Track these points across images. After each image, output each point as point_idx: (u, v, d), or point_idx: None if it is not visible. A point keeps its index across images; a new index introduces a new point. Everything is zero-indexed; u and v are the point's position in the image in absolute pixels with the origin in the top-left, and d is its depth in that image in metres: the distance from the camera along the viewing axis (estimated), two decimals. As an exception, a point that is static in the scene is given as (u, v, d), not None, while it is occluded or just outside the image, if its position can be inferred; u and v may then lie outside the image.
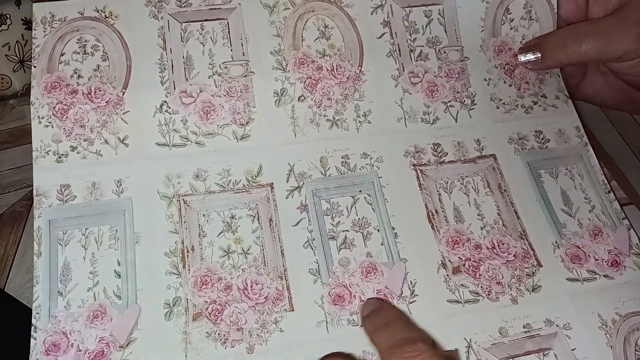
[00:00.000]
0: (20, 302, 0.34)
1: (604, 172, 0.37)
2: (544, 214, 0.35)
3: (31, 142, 0.31)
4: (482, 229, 0.34)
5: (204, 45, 0.36)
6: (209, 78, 0.35)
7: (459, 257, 0.33)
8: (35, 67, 0.34)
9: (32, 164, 0.30)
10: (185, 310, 0.30)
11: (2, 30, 0.44)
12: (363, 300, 0.31)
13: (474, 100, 0.38)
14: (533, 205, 0.35)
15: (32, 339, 0.28)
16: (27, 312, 0.32)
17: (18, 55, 0.48)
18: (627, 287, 0.32)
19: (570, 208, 0.35)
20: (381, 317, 0.30)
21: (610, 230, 0.35)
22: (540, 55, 0.38)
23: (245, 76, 0.35)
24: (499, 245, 0.33)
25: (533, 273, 0.33)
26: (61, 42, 0.34)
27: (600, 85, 0.40)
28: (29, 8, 0.46)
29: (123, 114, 0.33)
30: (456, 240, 0.33)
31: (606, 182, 0.37)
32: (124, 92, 0.34)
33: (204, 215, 0.32)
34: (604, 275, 0.33)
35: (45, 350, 0.28)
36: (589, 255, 0.33)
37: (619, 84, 0.39)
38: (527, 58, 0.39)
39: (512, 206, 0.35)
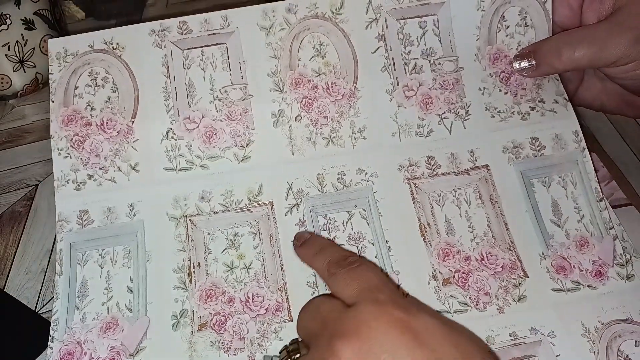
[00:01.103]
0: (20, 302, 0.37)
1: (597, 177, 0.38)
2: (533, 225, 0.37)
3: (31, 142, 0.34)
4: (472, 241, 0.36)
5: (204, 71, 0.39)
6: (210, 103, 0.38)
7: (449, 269, 0.35)
8: (53, 101, 0.38)
9: (32, 164, 0.34)
10: (191, 321, 0.34)
11: (2, 30, 0.45)
12: (355, 311, 0.34)
13: (468, 110, 0.39)
14: (523, 216, 0.37)
15: (48, 349, 0.33)
16: (26, 312, 0.36)
17: (18, 55, 0.49)
18: (609, 296, 0.34)
19: (559, 218, 0.37)
20: (314, 244, 0.34)
21: (597, 240, 0.36)
22: (534, 62, 0.39)
23: (244, 99, 0.38)
24: (487, 257, 0.36)
25: (519, 284, 0.35)
26: (75, 75, 0.38)
27: (598, 90, 0.41)
28: (29, 8, 0.49)
29: (133, 142, 0.37)
30: (447, 253, 0.36)
31: (599, 189, 0.38)
32: (133, 122, 0.38)
33: (209, 234, 0.36)
34: (588, 286, 0.35)
35: (60, 358, 0.33)
36: (573, 266, 0.35)
37: (617, 89, 0.40)
38: (522, 65, 0.40)
39: (502, 217, 0.37)
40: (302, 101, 0.39)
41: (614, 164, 0.42)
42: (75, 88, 0.38)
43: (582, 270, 0.35)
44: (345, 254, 0.32)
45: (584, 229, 0.37)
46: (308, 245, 0.35)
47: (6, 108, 0.46)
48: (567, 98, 0.40)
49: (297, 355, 0.29)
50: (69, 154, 0.37)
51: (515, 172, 0.38)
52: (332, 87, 0.39)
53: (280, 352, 0.31)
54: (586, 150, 0.39)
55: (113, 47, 0.38)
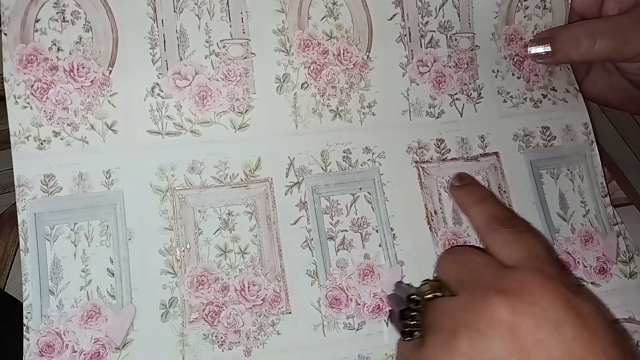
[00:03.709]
0: (20, 302, 0.34)
1: (604, 172, 0.40)
2: (540, 218, 0.37)
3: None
4: (479, 232, 0.36)
5: (199, 19, 0.35)
6: (205, 58, 0.34)
7: (455, 261, 0.35)
8: (5, 34, 0.32)
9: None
10: (182, 312, 0.31)
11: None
12: (359, 304, 0.34)
13: (480, 93, 0.39)
14: (530, 208, 0.38)
15: (24, 340, 0.29)
16: None
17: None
18: (612, 294, 0.36)
19: (565, 212, 0.38)
20: (475, 191, 0.35)
21: (601, 236, 0.38)
22: (550, 49, 0.39)
23: (245, 58, 0.35)
24: (494, 250, 0.36)
25: (525, 280, 0.36)
26: (35, 5, 0.33)
27: (604, 83, 0.42)
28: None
29: (110, 96, 0.33)
30: (453, 243, 0.36)
31: (604, 184, 0.39)
32: (110, 71, 0.33)
33: (199, 212, 0.33)
34: (591, 283, 0.36)
35: (39, 351, 0.29)
36: (578, 262, 0.37)
37: (624, 83, 0.41)
38: (537, 51, 0.39)
39: (510, 208, 0.37)
40: (310, 66, 0.36)
41: (614, 163, 0.44)
42: (37, 21, 0.33)
43: (587, 267, 0.37)
44: (511, 213, 0.32)
45: (589, 224, 0.38)
46: (469, 190, 0.35)
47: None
48: (578, 88, 0.41)
49: (440, 294, 0.29)
50: (28, 103, 0.32)
51: (525, 161, 0.39)
52: (343, 54, 0.36)
53: (421, 285, 0.30)
54: (594, 144, 0.40)
55: (86, -23, 0.33)
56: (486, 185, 0.37)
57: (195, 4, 0.35)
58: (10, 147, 0.31)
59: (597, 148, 0.40)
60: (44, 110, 0.32)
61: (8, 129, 0.31)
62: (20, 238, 0.30)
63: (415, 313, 0.29)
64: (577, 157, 0.39)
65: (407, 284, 0.33)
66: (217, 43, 0.35)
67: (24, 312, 0.30)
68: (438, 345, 0.26)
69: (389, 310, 0.33)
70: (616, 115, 0.47)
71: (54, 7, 0.33)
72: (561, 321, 0.25)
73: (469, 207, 0.34)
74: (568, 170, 0.39)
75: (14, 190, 0.30)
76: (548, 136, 0.39)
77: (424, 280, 0.31)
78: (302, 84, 0.36)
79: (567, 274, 0.29)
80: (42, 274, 0.30)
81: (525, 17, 0.40)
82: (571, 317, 0.25)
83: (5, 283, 0.36)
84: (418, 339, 0.29)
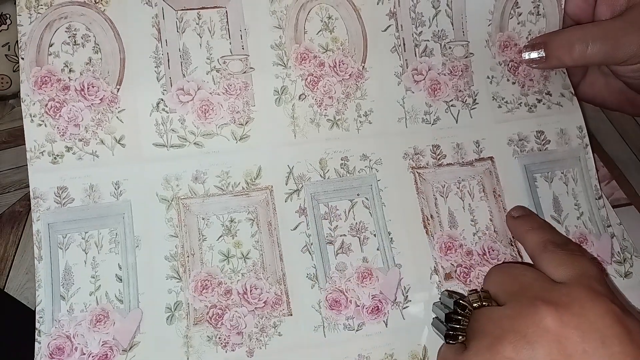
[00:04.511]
0: (20, 302, 0.36)
1: (598, 175, 0.40)
2: (535, 221, 0.38)
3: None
4: (474, 235, 0.37)
5: (201, 37, 0.36)
6: (207, 74, 0.36)
7: (451, 263, 0.36)
8: (22, 58, 0.34)
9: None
10: (187, 315, 0.33)
11: (2, 30, 0.44)
12: (359, 305, 0.34)
13: (475, 99, 0.39)
14: (525, 211, 0.38)
15: (36, 343, 0.31)
16: (26, 312, 0.35)
17: (18, 55, 0.46)
18: None
19: (559, 215, 0.38)
20: (534, 220, 0.35)
21: (595, 237, 0.38)
22: (544, 54, 0.39)
23: (245, 72, 0.36)
24: (489, 252, 0.37)
25: (521, 280, 0.36)
26: (49, 30, 0.34)
27: (601, 85, 0.42)
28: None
29: (118, 112, 0.35)
30: (449, 246, 0.36)
31: (598, 186, 0.40)
32: (118, 89, 0.35)
33: (203, 219, 0.34)
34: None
35: (50, 354, 0.31)
36: (575, 263, 0.37)
37: (620, 86, 0.41)
38: (531, 56, 0.40)
39: (505, 212, 0.38)
40: (307, 79, 0.37)
41: (614, 163, 0.44)
42: (50, 45, 0.34)
43: (583, 268, 0.37)
44: (567, 239, 0.33)
45: (583, 226, 0.38)
46: (526, 219, 0.36)
47: (6, 108, 0.44)
48: (573, 92, 0.41)
49: (487, 304, 0.30)
50: (43, 121, 0.34)
51: (520, 165, 0.39)
52: (339, 65, 0.38)
53: (469, 294, 0.31)
54: (589, 147, 0.40)
55: (95, 1, 0.35)
56: (481, 189, 0.38)
57: (197, 23, 0.36)
58: (10, 147, 0.32)
59: (591, 151, 0.40)
60: (57, 127, 0.34)
61: (8, 129, 0.32)
62: (34, 247, 0.32)
63: (460, 318, 0.30)
64: (571, 160, 0.40)
65: (455, 292, 0.34)
66: (218, 59, 0.36)
67: (37, 317, 0.31)
68: (481, 350, 0.27)
69: (434, 318, 0.34)
70: (616, 115, 0.47)
71: (66, 31, 0.35)
72: (608, 335, 0.25)
73: (526, 233, 0.34)
74: (562, 173, 0.39)
75: (14, 190, 0.32)
76: (542, 140, 0.40)
77: (471, 290, 0.32)
78: (300, 96, 0.37)
79: (618, 294, 0.29)
80: (55, 281, 0.32)
81: (518, 23, 0.41)
82: (619, 332, 0.25)
83: (5, 283, 0.37)
84: (461, 343, 0.29)
